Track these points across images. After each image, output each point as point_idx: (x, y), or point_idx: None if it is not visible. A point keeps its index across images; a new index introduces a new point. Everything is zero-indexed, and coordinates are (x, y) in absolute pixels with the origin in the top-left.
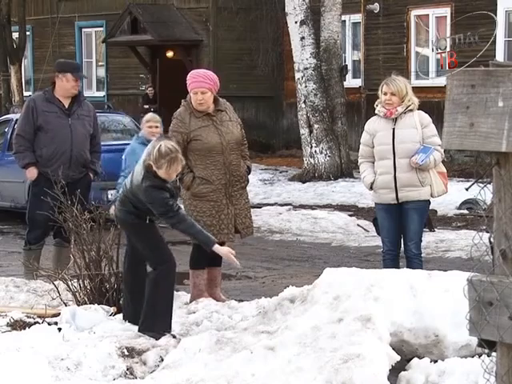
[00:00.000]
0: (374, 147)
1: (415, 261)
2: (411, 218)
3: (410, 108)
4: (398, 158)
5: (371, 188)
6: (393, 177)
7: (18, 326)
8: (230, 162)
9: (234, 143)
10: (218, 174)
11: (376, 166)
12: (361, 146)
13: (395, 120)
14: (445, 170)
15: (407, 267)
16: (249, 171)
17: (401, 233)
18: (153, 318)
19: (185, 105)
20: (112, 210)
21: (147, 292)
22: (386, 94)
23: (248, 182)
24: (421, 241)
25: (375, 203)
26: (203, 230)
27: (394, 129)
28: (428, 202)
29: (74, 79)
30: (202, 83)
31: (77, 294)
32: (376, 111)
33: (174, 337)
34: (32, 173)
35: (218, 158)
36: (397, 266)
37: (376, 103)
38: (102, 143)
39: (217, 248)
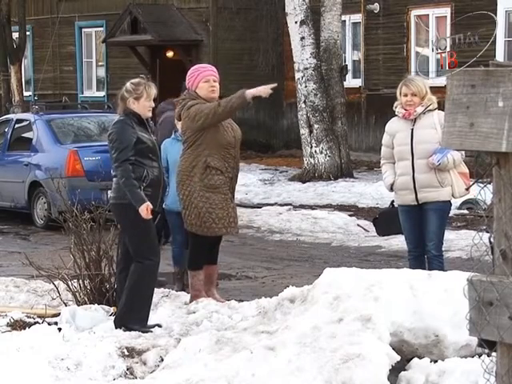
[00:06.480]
0: (393, 148)
1: (435, 262)
2: (430, 219)
3: (429, 108)
4: (417, 158)
5: (392, 189)
6: (411, 178)
7: (18, 325)
8: (238, 157)
9: (239, 140)
10: (228, 167)
11: (396, 167)
12: (382, 147)
13: (414, 120)
14: (467, 171)
15: (428, 268)
16: None
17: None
18: (130, 313)
19: (192, 98)
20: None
21: (130, 285)
22: (406, 95)
23: None
24: (441, 242)
25: (398, 205)
26: (139, 191)
27: (412, 129)
28: (448, 203)
29: None
30: (212, 72)
31: (77, 294)
32: (396, 112)
33: (160, 326)
34: None
35: (231, 151)
36: (421, 266)
37: (395, 105)
38: (102, 143)
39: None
